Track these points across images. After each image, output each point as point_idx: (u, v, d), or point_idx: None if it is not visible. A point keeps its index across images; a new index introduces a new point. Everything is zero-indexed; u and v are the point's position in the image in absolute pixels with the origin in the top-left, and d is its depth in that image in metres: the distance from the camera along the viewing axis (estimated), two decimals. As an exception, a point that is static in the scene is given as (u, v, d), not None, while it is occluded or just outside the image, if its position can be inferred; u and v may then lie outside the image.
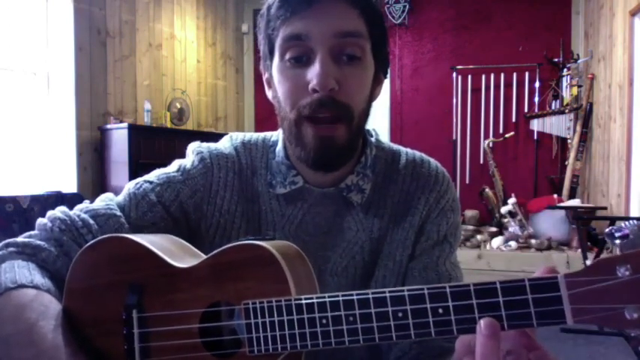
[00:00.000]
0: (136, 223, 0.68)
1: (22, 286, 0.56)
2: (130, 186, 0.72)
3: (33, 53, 3.59)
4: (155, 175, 0.73)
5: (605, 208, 3.77)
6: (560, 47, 4.58)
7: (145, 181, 0.72)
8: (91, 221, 0.65)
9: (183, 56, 4.73)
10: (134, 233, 0.60)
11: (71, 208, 0.69)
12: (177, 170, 0.73)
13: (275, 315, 0.45)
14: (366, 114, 0.69)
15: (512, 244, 3.97)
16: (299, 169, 0.72)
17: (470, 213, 4.50)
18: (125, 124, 3.70)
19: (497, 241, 4.05)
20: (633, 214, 3.30)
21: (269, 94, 0.72)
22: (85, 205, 0.69)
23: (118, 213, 0.67)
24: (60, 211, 0.66)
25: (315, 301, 0.43)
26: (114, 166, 3.75)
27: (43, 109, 3.66)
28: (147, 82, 4.30)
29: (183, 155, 0.78)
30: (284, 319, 0.44)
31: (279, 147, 0.74)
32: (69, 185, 3.65)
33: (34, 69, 3.62)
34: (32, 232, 0.66)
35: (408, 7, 4.90)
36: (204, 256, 0.53)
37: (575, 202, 4.14)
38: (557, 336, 2.92)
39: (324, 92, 0.62)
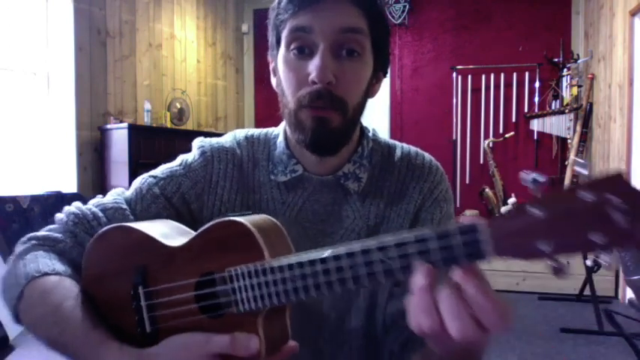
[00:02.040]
0: (141, 215, 0.75)
1: (46, 274, 0.64)
2: (137, 181, 0.79)
3: (33, 53, 3.59)
4: (160, 169, 0.80)
5: (605, 208, 3.77)
6: (560, 47, 4.59)
7: (150, 176, 0.79)
8: (100, 214, 0.73)
9: (183, 56, 4.73)
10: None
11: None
12: (180, 164, 0.80)
13: (254, 277, 0.53)
14: (360, 107, 0.74)
15: (512, 244, 3.97)
16: (299, 158, 0.78)
17: (470, 213, 4.50)
18: (125, 124, 3.71)
19: (497, 241, 4.05)
20: (633, 214, 3.30)
21: (274, 82, 0.78)
22: (97, 199, 0.77)
23: (124, 206, 0.75)
24: (74, 206, 0.75)
25: (284, 263, 0.52)
26: (114, 166, 3.75)
27: (43, 109, 3.66)
28: (147, 82, 4.31)
29: (183, 155, 0.84)
30: (261, 281, 0.53)
31: (280, 138, 0.80)
32: (69, 185, 3.65)
33: (34, 69, 3.62)
34: (51, 226, 0.74)
35: (408, 7, 4.91)
36: (193, 233, 0.61)
37: (575, 202, 4.14)
38: (557, 336, 2.92)
39: (322, 84, 0.67)
